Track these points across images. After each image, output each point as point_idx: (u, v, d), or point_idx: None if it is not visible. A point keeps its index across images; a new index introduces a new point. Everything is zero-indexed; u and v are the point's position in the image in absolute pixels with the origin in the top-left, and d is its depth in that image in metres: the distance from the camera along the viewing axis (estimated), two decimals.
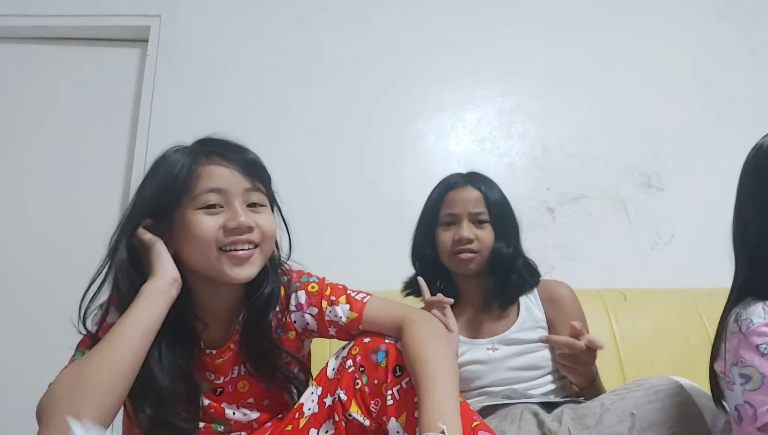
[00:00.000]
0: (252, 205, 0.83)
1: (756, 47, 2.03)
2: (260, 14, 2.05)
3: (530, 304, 1.16)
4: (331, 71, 1.99)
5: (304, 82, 1.98)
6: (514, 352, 1.10)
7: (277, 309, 0.89)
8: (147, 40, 2.03)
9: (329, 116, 1.95)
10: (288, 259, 0.94)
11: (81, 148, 2.00)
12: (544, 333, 1.13)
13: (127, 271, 0.79)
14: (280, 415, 0.92)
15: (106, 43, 2.11)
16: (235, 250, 0.79)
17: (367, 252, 1.80)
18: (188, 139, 0.88)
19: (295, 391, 0.93)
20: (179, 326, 0.82)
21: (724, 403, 0.76)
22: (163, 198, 0.80)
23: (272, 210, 0.89)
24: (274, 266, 0.89)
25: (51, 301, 1.68)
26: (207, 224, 0.78)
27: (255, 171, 0.84)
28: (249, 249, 0.80)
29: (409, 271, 1.25)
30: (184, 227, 0.79)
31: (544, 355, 1.11)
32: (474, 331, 1.16)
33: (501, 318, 1.15)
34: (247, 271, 0.81)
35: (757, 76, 2.00)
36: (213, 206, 0.79)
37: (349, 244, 1.82)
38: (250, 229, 0.80)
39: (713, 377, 0.77)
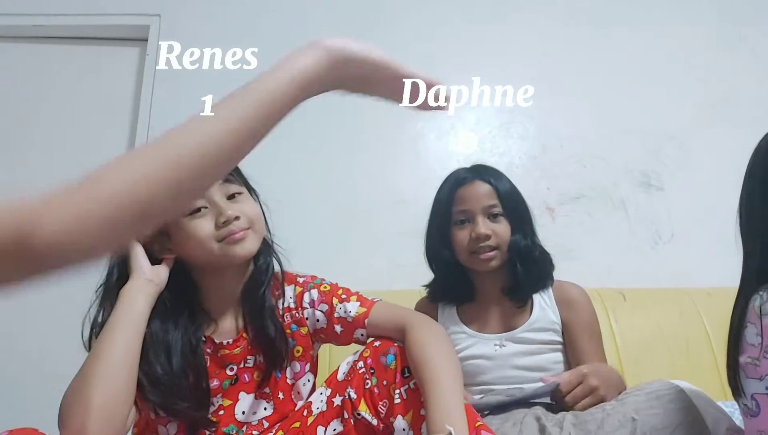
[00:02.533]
0: (231, 197, 0.88)
1: (756, 47, 2.03)
2: (260, 14, 2.05)
3: (545, 305, 1.13)
4: None
5: None
6: (522, 351, 1.09)
7: (292, 306, 0.95)
8: (146, 40, 2.02)
9: (328, 115, 1.94)
10: (272, 236, 0.99)
11: (81, 147, 1.99)
12: (557, 337, 1.11)
13: (116, 286, 0.84)
14: (288, 415, 0.94)
15: (105, 43, 2.10)
16: (231, 235, 0.86)
17: (367, 252, 1.80)
18: None
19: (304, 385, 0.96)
20: (188, 315, 0.88)
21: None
22: None
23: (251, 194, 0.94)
24: (266, 243, 0.96)
25: (50, 300, 1.68)
26: (200, 227, 0.85)
27: None
28: (243, 230, 0.87)
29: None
30: (181, 234, 0.86)
31: (552, 357, 1.09)
32: (483, 325, 1.14)
33: (513, 315, 1.13)
34: (247, 248, 0.87)
35: (757, 76, 1.99)
36: (199, 209, 0.85)
37: (349, 245, 1.82)
38: (237, 218, 0.86)
39: (734, 372, 0.73)
